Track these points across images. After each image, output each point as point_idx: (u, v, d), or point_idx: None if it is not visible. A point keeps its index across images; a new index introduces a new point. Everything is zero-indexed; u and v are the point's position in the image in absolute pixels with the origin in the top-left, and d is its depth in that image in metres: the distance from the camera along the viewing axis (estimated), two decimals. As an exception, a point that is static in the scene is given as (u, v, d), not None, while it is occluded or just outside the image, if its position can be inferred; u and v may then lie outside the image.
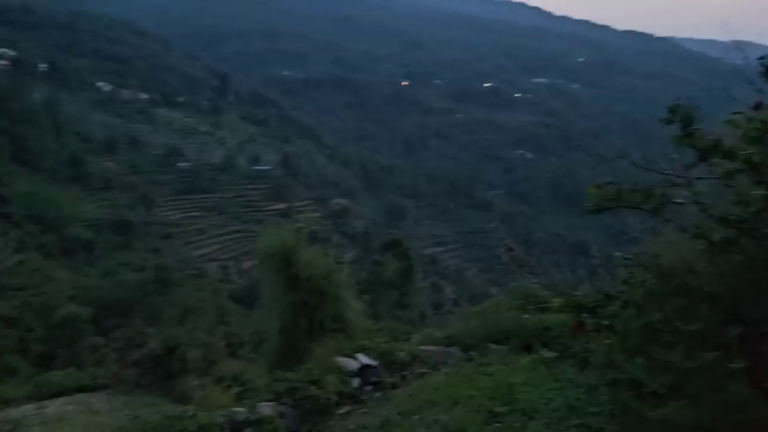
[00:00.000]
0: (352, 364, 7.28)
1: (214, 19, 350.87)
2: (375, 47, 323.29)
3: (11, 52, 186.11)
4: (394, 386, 7.37)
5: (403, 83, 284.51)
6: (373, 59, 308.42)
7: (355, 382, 7.15)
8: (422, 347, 8.25)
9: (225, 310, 61.78)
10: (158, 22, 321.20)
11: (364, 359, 7.44)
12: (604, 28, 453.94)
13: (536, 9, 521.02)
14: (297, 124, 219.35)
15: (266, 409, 6.21)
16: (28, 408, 8.28)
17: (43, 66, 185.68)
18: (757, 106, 4.28)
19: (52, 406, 8.31)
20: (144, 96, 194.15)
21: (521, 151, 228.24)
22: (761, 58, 4.40)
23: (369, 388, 7.21)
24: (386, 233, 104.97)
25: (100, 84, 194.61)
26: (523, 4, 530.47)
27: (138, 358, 10.01)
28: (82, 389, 9.02)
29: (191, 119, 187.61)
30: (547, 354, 7.49)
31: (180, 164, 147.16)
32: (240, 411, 6.02)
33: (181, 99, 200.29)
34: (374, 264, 30.97)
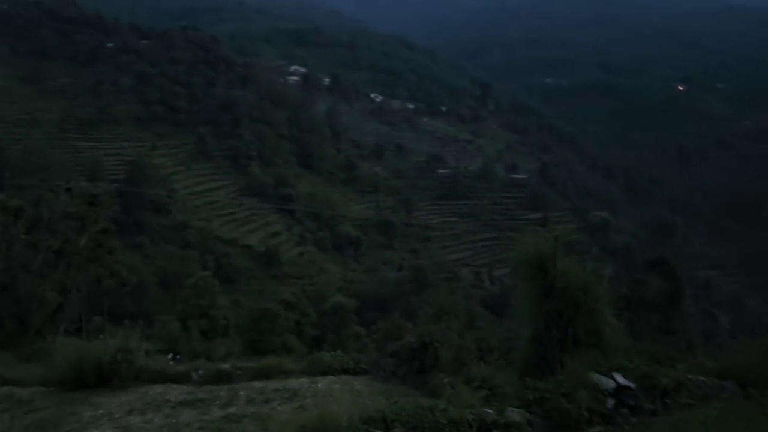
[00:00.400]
0: (607, 383, 6.87)
1: (480, 30, 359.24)
2: (645, 49, 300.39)
3: (302, 69, 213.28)
4: (653, 413, 6.78)
5: (678, 87, 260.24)
6: (643, 62, 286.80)
7: (610, 402, 6.74)
8: (690, 376, 7.45)
9: (476, 315, 62.74)
10: (428, 36, 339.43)
11: (620, 379, 6.98)
12: None
13: None
14: (557, 132, 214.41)
15: (515, 414, 6.18)
16: (303, 381, 9.38)
17: (326, 80, 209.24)
18: None
19: (322, 383, 9.29)
20: (410, 106, 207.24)
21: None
22: None
23: (625, 410, 6.74)
24: (651, 250, 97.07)
25: (373, 95, 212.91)
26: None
27: (395, 349, 10.70)
28: (346, 371, 10.00)
29: (453, 127, 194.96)
30: None
31: (440, 170, 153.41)
32: (488, 413, 6.07)
33: (444, 108, 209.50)
34: (635, 282, 28.83)
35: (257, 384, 9.34)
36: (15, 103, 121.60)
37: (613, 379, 6.94)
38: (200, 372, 9.65)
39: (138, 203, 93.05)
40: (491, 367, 9.52)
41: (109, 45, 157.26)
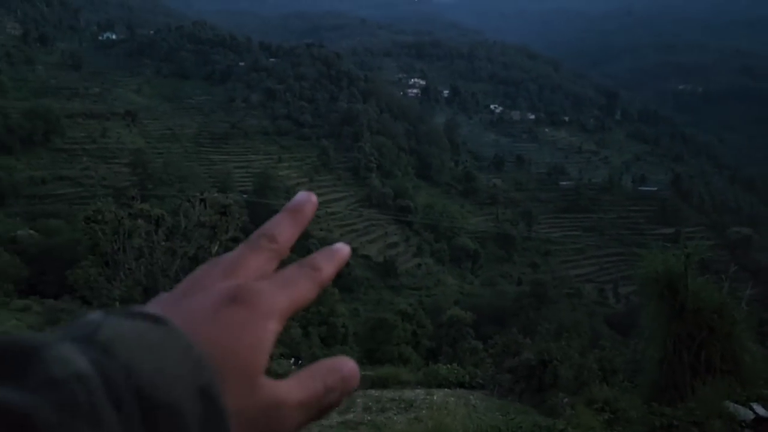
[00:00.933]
0: (745, 413, 6.34)
1: (606, 36, 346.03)
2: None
3: (421, 82, 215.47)
4: (799, 450, 6.18)
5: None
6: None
7: (748, 435, 6.21)
8: None
9: (599, 334, 59.93)
10: (550, 45, 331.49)
11: (760, 410, 6.41)
12: None
13: None
14: (692, 141, 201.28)
15: (639, 441, 5.85)
16: (419, 392, 9.41)
17: (445, 92, 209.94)
18: None
19: (437, 395, 9.28)
20: (531, 116, 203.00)
21: None
22: None
23: (765, 445, 6.19)
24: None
25: (492, 106, 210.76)
26: None
27: (513, 365, 10.45)
28: (461, 385, 9.90)
29: (576, 138, 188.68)
30: None
31: (562, 182, 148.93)
32: (611, 438, 5.79)
33: (566, 118, 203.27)
34: (780, 304, 26.35)
35: (374, 392, 9.49)
36: (158, 119, 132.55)
37: (752, 409, 6.40)
38: (319, 378, 9.98)
39: (265, 213, 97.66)
40: (615, 390, 9.07)
41: (241, 64, 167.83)
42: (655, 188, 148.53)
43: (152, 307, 0.52)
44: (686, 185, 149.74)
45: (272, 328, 0.53)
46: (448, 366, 10.92)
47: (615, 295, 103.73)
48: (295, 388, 0.55)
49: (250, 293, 0.54)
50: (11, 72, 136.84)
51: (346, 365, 0.61)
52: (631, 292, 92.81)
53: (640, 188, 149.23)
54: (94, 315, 0.49)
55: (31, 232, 64.04)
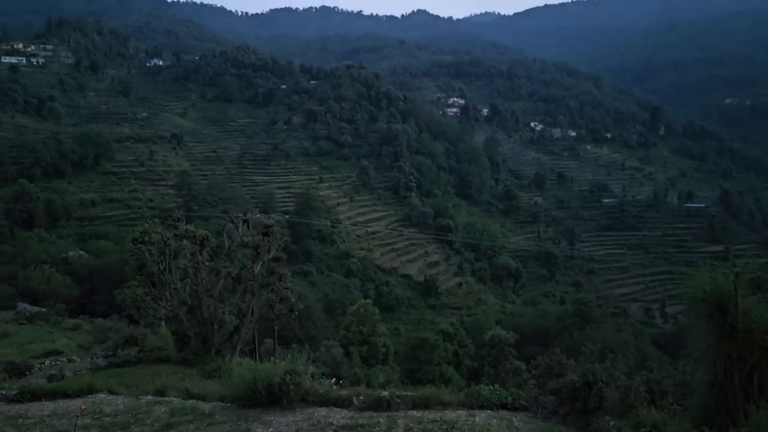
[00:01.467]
0: (802, 440, 6.13)
1: (647, 51, 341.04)
2: None
3: (461, 101, 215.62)
4: None
5: None
6: None
7: (806, 461, 5.99)
8: None
9: (646, 354, 58.28)
10: (591, 61, 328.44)
11: (819, 437, 6.19)
12: None
13: None
14: (740, 156, 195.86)
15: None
16: (461, 414, 9.34)
17: (485, 111, 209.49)
18: None
19: (479, 417, 9.18)
20: (572, 133, 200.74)
21: None
22: None
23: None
24: None
25: (533, 124, 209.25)
26: None
27: (556, 387, 10.27)
28: (504, 406, 9.77)
29: (618, 154, 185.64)
30: None
31: (605, 200, 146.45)
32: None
33: (609, 135, 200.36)
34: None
35: (415, 413, 9.45)
36: (203, 142, 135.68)
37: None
38: (361, 398, 9.98)
39: (306, 233, 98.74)
40: (664, 413, 8.84)
41: (283, 86, 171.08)
42: (703, 205, 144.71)
43: None
44: (735, 201, 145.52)
45: None
46: (491, 387, 10.77)
47: (662, 315, 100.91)
48: None
49: None
50: (64, 99, 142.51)
51: None
52: (679, 311, 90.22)
53: (686, 205, 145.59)
54: None
55: (82, 253, 65.82)
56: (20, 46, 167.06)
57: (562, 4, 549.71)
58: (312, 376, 10.42)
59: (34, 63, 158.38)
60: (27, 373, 18.04)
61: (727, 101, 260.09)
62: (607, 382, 10.10)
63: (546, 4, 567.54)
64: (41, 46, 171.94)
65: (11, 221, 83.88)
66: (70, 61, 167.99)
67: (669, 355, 58.78)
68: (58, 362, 19.94)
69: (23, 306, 38.85)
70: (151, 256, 17.76)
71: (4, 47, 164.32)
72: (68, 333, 30.53)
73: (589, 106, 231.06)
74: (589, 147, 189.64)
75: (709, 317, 9.03)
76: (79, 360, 20.40)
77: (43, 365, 19.30)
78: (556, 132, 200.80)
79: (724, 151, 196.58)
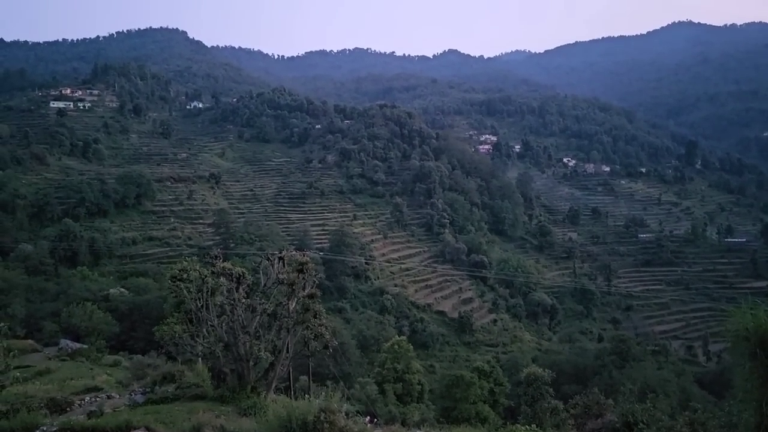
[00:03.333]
0: None
1: (681, 85, 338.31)
2: None
3: (493, 138, 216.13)
4: None
5: None
6: None
7: None
8: None
9: (689, 394, 56.42)
10: (622, 96, 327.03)
11: None
12: None
13: None
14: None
15: None
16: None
17: (517, 147, 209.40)
18: None
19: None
20: (606, 168, 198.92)
21: None
22: None
23: None
24: None
25: (566, 159, 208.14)
26: None
27: (595, 428, 10.08)
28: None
29: (654, 189, 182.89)
30: None
31: (641, 235, 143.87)
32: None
33: (643, 169, 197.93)
34: None
35: (451, 452, 9.39)
36: (240, 181, 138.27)
37: None
38: (396, 436, 9.95)
39: (340, 269, 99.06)
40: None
41: (317, 126, 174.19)
42: (744, 239, 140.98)
43: None
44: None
45: None
46: (528, 426, 10.69)
47: (705, 353, 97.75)
48: None
49: None
50: (108, 141, 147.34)
51: None
52: (722, 349, 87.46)
53: (726, 240, 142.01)
54: None
55: (122, 290, 67.17)
56: (68, 91, 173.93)
57: (592, 41, 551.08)
58: (346, 413, 10.44)
59: (81, 107, 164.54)
60: (68, 409, 18.38)
61: (765, 134, 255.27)
62: (648, 423, 9.89)
63: (576, 41, 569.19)
64: (87, 91, 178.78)
65: (56, 259, 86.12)
66: (114, 105, 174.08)
67: (714, 394, 56.83)
68: (97, 399, 20.27)
69: (65, 342, 39.65)
70: (189, 293, 18.11)
71: (53, 93, 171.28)
72: (108, 369, 31.01)
73: (622, 140, 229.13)
74: (623, 182, 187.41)
75: (752, 356, 8.82)
76: (118, 396, 20.71)
77: (83, 401, 19.64)
78: (590, 167, 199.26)
79: (764, 184, 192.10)
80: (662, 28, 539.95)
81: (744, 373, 9.17)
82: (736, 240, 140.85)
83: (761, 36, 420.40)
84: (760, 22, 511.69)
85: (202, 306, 17.81)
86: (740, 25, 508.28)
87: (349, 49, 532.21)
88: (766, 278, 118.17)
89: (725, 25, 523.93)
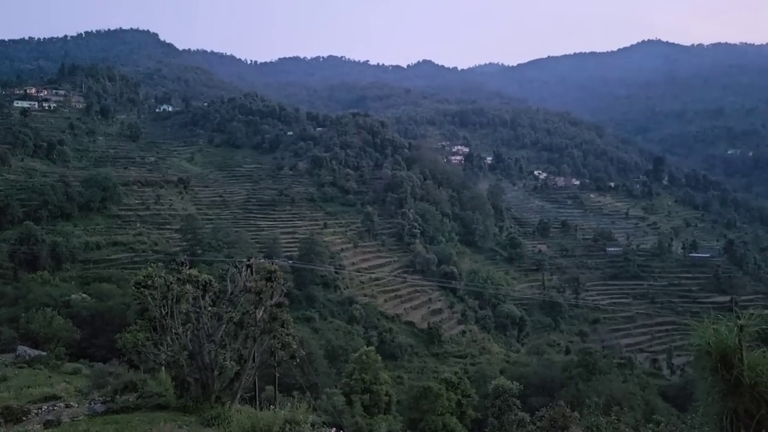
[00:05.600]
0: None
1: (650, 102, 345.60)
2: None
3: (465, 149, 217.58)
4: None
5: None
6: None
7: None
8: None
9: (653, 407, 57.15)
10: (593, 111, 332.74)
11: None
12: None
13: None
14: (744, 206, 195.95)
15: None
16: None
17: (489, 159, 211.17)
18: None
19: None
20: (576, 182, 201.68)
21: None
22: None
23: None
24: None
25: (536, 172, 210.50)
26: None
27: (560, 440, 10.10)
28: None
29: (622, 203, 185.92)
30: None
31: (609, 248, 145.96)
32: None
33: (612, 184, 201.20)
34: None
35: (416, 465, 9.28)
36: (209, 187, 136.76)
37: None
38: (361, 448, 9.82)
39: (309, 278, 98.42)
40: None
41: (289, 133, 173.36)
42: (708, 255, 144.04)
43: None
44: (740, 251, 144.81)
45: None
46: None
47: (669, 366, 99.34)
48: None
49: None
50: (74, 143, 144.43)
51: None
52: (686, 362, 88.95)
53: (691, 254, 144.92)
54: None
55: (84, 296, 65.51)
56: (33, 91, 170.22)
57: (564, 56, 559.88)
58: (312, 424, 10.29)
59: (46, 108, 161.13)
60: (24, 418, 17.76)
61: (729, 152, 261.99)
62: (612, 436, 9.92)
63: (549, 56, 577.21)
64: (53, 91, 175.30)
65: (15, 263, 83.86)
66: (81, 106, 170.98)
67: (677, 407, 57.63)
68: (55, 408, 19.66)
69: (23, 349, 38.51)
70: (153, 300, 17.73)
71: (18, 92, 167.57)
72: (67, 377, 30.19)
73: (592, 155, 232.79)
74: (592, 196, 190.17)
75: (714, 371, 8.91)
76: (77, 405, 20.13)
77: (40, 410, 19.02)
78: (560, 180, 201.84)
79: (727, 201, 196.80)
80: (632, 46, 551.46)
81: (706, 386, 9.28)
82: (701, 255, 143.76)
83: (726, 56, 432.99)
84: (726, 43, 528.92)
85: (166, 313, 17.43)
86: (707, 46, 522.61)
87: (323, 57, 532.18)
88: (728, 293, 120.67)
89: (692, 45, 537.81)
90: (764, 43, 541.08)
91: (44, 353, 38.43)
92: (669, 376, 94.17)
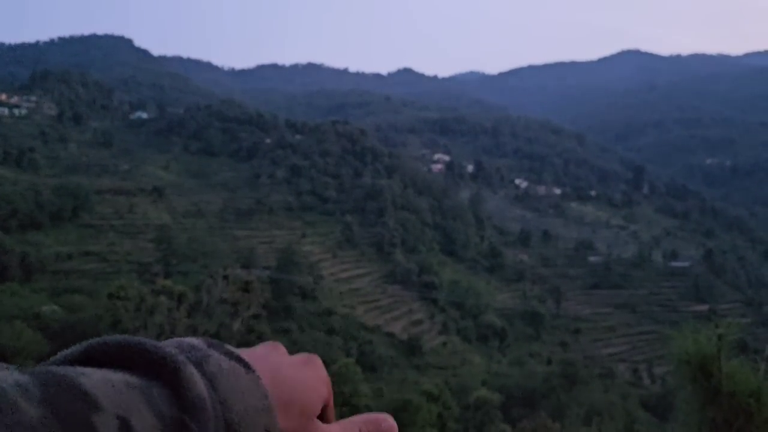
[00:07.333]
0: None
1: (629, 111, 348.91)
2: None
3: (446, 157, 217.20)
4: None
5: None
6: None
7: None
8: None
9: (634, 417, 56.38)
10: (573, 120, 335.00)
11: None
12: None
13: None
14: (723, 215, 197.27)
15: None
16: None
17: (470, 167, 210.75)
18: None
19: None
20: (557, 191, 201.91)
21: None
22: None
23: None
24: None
25: (517, 181, 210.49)
26: None
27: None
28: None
29: (603, 212, 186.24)
30: None
31: (591, 258, 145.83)
32: None
33: (593, 192, 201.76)
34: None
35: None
36: (184, 195, 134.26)
37: None
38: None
39: (287, 289, 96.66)
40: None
41: (267, 141, 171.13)
42: (687, 263, 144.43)
43: (244, 353, 0.69)
44: (719, 260, 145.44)
45: (325, 390, 0.75)
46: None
47: (650, 376, 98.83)
48: (338, 431, 0.79)
49: (318, 362, 0.78)
50: (45, 150, 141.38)
51: (386, 421, 0.91)
52: (667, 372, 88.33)
53: (671, 264, 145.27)
54: (197, 342, 0.66)
55: (55, 307, 63.88)
56: (3, 97, 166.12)
57: (545, 65, 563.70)
58: None
59: (16, 114, 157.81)
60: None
61: (708, 161, 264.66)
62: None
63: (529, 65, 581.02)
64: (24, 97, 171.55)
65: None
66: (53, 112, 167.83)
67: (657, 417, 56.85)
68: None
69: (-20, 363, 36.58)
70: (126, 312, 16.29)
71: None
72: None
73: (573, 163, 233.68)
74: (573, 205, 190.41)
75: (693, 380, 7.79)
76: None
77: None
78: (541, 189, 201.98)
79: (706, 210, 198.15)
80: (612, 55, 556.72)
81: (685, 395, 8.13)
82: (680, 264, 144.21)
83: (704, 67, 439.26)
84: (703, 53, 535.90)
85: (140, 326, 16.09)
86: (684, 56, 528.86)
87: (302, 64, 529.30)
88: (707, 302, 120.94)
89: (671, 55, 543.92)
90: (741, 54, 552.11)
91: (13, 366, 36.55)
92: (650, 385, 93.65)
